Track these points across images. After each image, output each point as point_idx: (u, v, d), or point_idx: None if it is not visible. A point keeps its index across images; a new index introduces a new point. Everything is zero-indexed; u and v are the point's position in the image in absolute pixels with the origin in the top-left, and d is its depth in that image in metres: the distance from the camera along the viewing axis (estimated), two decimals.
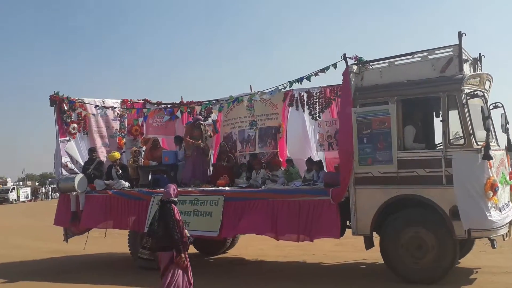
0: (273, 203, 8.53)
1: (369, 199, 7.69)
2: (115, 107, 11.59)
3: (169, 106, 11.78)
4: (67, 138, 11.07)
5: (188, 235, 6.51)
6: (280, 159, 10.19)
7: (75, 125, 11.16)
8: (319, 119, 9.93)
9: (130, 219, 9.82)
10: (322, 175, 8.91)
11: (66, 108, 10.97)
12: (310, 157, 9.65)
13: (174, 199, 6.43)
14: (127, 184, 10.54)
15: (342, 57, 8.28)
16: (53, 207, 12.06)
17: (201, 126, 10.63)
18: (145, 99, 12.23)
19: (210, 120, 11.32)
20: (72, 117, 11.12)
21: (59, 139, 10.93)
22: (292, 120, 10.36)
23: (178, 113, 10.73)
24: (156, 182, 10.28)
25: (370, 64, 8.14)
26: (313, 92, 9.91)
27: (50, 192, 59.59)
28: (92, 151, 11.00)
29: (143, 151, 11.69)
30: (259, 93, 9.22)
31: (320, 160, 9.50)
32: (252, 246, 11.91)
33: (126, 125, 11.84)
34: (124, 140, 11.94)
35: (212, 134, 11.12)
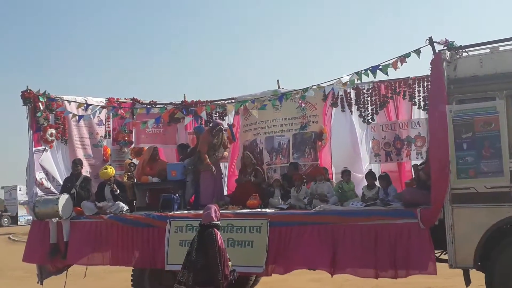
0: (336, 229, 6.78)
1: (472, 221, 6.24)
2: (113, 106, 9.20)
3: (165, 105, 9.55)
4: (43, 147, 8.52)
5: (232, 268, 5.77)
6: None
7: (53, 131, 8.63)
8: (372, 123, 8.32)
9: (135, 252, 7.68)
10: (392, 191, 7.15)
11: (42, 108, 8.44)
12: (371, 170, 7.84)
13: (217, 222, 5.85)
14: (125, 207, 8.20)
15: (428, 41, 6.60)
16: None
17: (221, 134, 8.57)
18: (133, 98, 9.99)
19: (225, 125, 9.24)
20: (50, 120, 8.61)
21: (33, 149, 8.37)
22: (337, 124, 8.60)
23: (203, 114, 8.38)
24: (167, 204, 7.95)
25: (466, 50, 6.57)
26: (363, 89, 8.28)
27: None
28: (77, 164, 8.53)
29: (135, 165, 9.43)
30: (314, 87, 7.18)
31: (387, 174, 7.66)
32: None
33: (127, 130, 9.47)
34: (109, 150, 9.54)
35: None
